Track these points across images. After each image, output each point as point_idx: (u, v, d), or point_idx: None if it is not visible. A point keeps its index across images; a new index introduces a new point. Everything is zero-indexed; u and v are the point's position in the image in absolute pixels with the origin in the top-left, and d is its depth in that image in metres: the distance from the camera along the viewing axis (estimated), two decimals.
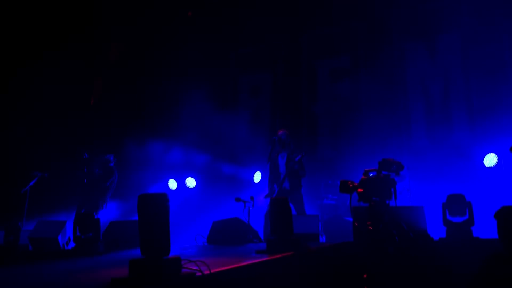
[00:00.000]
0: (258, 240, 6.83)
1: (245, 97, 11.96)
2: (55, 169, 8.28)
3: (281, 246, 4.67)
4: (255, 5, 10.55)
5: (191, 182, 11.06)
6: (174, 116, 10.67)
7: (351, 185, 5.05)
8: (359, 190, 5.10)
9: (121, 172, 8.47)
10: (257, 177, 10.14)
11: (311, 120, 10.69)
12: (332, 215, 8.88)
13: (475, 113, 9.04)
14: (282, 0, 10.53)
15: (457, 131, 9.11)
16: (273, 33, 10.91)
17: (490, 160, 8.46)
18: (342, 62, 10.79)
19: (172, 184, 11.03)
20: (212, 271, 3.18)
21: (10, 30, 9.11)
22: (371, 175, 5.38)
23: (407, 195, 8.57)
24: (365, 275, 4.20)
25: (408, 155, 9.31)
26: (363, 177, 5.46)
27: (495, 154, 8.41)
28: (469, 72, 9.23)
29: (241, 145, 10.68)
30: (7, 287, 3.30)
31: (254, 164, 10.26)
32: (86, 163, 7.64)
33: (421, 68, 9.74)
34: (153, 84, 10.99)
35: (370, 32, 10.27)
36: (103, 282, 3.17)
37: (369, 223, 4.84)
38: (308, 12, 10.45)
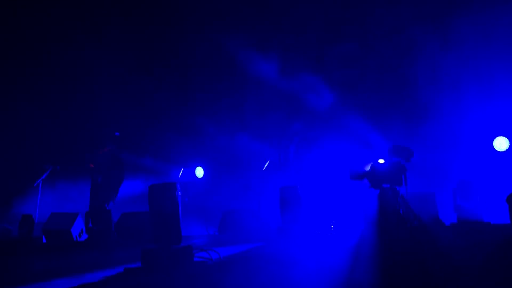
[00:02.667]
0: (267, 228, 6.86)
1: None
2: (67, 161, 8.34)
3: (288, 233, 4.69)
4: None
5: (199, 172, 11.08)
6: None
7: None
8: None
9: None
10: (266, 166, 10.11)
11: None
12: None
13: (487, 97, 8.92)
14: None
15: (469, 116, 8.99)
16: None
17: (501, 143, 8.35)
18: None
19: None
20: (223, 258, 3.20)
21: None
22: (381, 161, 5.37)
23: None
24: None
25: (418, 141, 9.24)
26: (373, 163, 5.46)
27: (507, 138, 8.30)
28: (480, 56, 9.09)
29: None
30: (25, 277, 3.35)
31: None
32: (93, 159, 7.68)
33: (432, 50, 9.61)
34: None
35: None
36: (116, 271, 3.20)
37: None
38: None
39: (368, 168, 5.44)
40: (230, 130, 10.92)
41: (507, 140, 8.35)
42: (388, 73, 9.79)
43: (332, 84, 10.31)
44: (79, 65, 9.80)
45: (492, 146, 8.46)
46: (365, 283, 3.55)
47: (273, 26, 10.48)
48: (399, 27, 9.65)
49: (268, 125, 10.19)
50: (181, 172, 11.12)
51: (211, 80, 10.91)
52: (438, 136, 9.29)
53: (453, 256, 4.52)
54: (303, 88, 10.25)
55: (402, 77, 9.77)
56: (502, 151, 8.37)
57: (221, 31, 10.48)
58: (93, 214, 6.70)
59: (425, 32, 9.59)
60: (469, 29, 8.95)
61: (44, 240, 6.59)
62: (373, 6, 9.75)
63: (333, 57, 10.85)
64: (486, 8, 8.70)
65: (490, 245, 3.83)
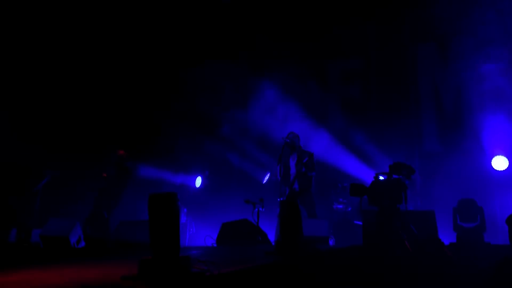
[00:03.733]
0: (267, 242, 6.83)
1: None
2: (67, 168, 8.34)
3: (290, 248, 4.67)
4: None
5: (197, 182, 11.10)
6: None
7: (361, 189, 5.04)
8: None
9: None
10: (266, 178, 10.11)
11: None
12: (341, 219, 8.87)
13: (487, 117, 8.95)
14: None
15: (469, 135, 9.00)
16: None
17: (500, 163, 8.38)
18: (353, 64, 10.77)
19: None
20: (222, 271, 3.19)
21: None
22: (381, 178, 5.37)
23: (418, 200, 8.53)
24: None
25: (419, 159, 9.26)
26: (373, 180, 5.46)
27: (506, 157, 8.33)
28: (483, 75, 9.13)
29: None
30: (18, 285, 3.34)
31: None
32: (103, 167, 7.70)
33: (433, 71, 9.68)
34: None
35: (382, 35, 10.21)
36: (113, 280, 3.19)
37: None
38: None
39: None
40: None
41: (506, 159, 8.38)
42: (390, 91, 9.84)
43: (336, 100, 10.36)
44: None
45: (491, 165, 8.49)
46: None
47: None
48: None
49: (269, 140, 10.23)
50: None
51: None
52: (439, 153, 9.31)
53: (451, 276, 4.50)
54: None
55: (405, 94, 9.83)
56: (500, 171, 8.40)
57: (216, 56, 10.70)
58: (91, 221, 6.69)
59: (427, 49, 9.68)
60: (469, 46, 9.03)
61: (41, 246, 6.57)
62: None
63: (336, 73, 10.94)
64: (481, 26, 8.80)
65: (490, 266, 3.81)
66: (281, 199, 7.26)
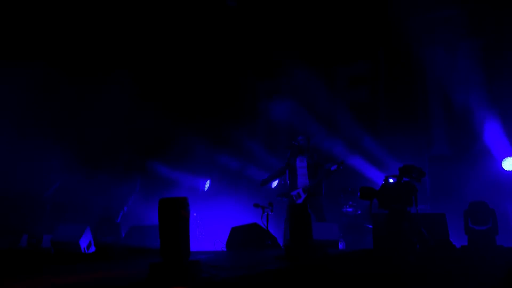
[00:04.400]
0: (276, 246, 6.82)
1: None
2: (77, 173, 8.40)
3: (299, 253, 4.65)
4: None
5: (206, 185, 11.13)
6: None
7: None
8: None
9: None
10: (275, 182, 10.09)
11: None
12: (351, 222, 8.82)
13: (497, 119, 8.88)
14: None
15: (479, 137, 8.95)
16: None
17: (510, 164, 8.31)
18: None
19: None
20: (232, 276, 3.19)
21: None
22: (391, 181, 5.34)
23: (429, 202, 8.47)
24: None
25: (428, 162, 9.21)
26: (383, 183, 5.43)
27: None
28: (491, 79, 9.07)
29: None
30: None
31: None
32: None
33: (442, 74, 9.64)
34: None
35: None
36: (123, 285, 3.20)
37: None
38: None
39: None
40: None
41: None
42: (399, 94, 9.81)
43: (344, 104, 10.34)
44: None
45: (502, 167, 8.43)
46: None
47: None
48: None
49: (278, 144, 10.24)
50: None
51: None
52: (448, 156, 9.25)
53: (463, 279, 4.46)
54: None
55: (414, 97, 9.78)
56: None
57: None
58: (102, 226, 6.72)
59: (437, 53, 9.63)
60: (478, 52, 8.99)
61: (52, 251, 6.61)
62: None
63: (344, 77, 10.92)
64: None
65: (503, 269, 3.77)
66: (285, 199, 7.29)
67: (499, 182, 8.42)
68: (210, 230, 10.17)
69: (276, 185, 9.95)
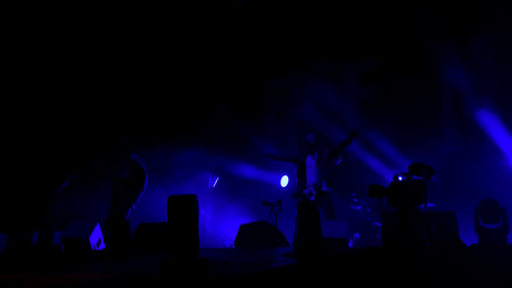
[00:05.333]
0: (285, 244, 6.81)
1: None
2: (88, 170, 8.44)
3: (308, 250, 4.64)
4: None
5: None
6: None
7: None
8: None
9: None
10: (284, 181, 10.09)
11: None
12: (361, 220, 8.80)
13: (509, 116, 8.80)
14: None
15: (489, 135, 8.87)
16: None
17: None
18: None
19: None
20: (240, 273, 3.19)
21: None
22: (400, 179, 5.32)
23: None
24: None
25: (439, 159, 9.14)
26: (392, 181, 5.41)
27: None
28: (503, 74, 8.99)
29: None
30: (41, 284, 3.39)
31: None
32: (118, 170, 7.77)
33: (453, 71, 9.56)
34: None
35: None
36: (133, 282, 3.22)
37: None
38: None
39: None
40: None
41: None
42: (409, 91, 9.75)
43: (354, 100, 10.30)
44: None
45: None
46: None
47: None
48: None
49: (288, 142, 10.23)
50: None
51: None
52: (458, 153, 9.18)
53: (474, 277, 4.43)
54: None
55: (425, 96, 9.72)
56: None
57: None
58: (111, 223, 6.75)
59: (448, 50, 9.55)
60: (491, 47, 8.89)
61: (63, 248, 6.68)
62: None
63: (354, 73, 10.88)
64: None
65: None
66: (300, 199, 7.26)
67: (510, 180, 8.34)
68: (218, 227, 10.20)
69: (287, 184, 9.95)
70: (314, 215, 4.97)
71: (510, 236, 5.53)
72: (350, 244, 6.81)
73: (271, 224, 7.09)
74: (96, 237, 6.77)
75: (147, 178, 7.73)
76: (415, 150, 8.84)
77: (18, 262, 5.32)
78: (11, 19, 8.48)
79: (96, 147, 9.10)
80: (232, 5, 10.53)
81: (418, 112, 9.67)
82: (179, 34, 10.61)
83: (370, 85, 10.51)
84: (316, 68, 10.83)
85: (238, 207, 10.49)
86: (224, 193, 11.12)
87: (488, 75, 9.18)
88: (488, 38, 9.31)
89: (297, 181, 7.88)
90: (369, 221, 8.59)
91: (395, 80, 10.23)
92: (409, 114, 9.69)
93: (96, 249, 6.63)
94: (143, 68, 10.49)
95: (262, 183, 10.78)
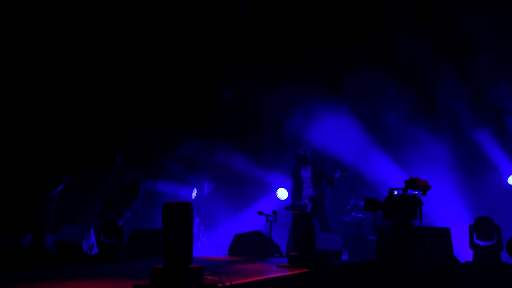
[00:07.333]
0: (279, 254, 6.80)
1: None
2: (83, 175, 8.42)
3: (302, 262, 4.63)
4: None
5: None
6: None
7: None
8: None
9: None
10: (282, 193, 10.01)
11: None
12: (355, 233, 8.78)
13: (506, 133, 8.85)
14: None
15: (485, 152, 8.91)
16: None
17: None
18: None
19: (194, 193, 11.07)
20: (234, 282, 3.18)
21: None
22: (396, 193, 5.32)
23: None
24: None
25: (433, 176, 9.15)
26: (388, 195, 5.40)
27: None
28: (500, 93, 9.05)
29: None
30: None
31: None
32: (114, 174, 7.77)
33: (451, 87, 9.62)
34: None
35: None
36: None
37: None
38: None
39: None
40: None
41: None
42: (407, 105, 9.79)
43: (352, 114, 10.33)
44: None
45: (508, 182, 8.39)
46: None
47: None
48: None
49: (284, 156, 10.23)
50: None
51: None
52: (455, 171, 9.20)
53: None
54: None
55: (421, 109, 9.76)
56: None
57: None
58: (105, 228, 6.72)
59: (445, 68, 9.62)
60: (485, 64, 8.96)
61: (55, 252, 6.63)
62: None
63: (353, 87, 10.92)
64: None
65: (507, 286, 3.73)
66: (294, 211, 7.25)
67: (505, 197, 8.36)
68: (212, 236, 10.15)
69: (287, 197, 9.92)
70: (309, 227, 4.97)
71: (504, 254, 5.53)
72: (344, 257, 6.80)
73: (266, 234, 7.07)
74: (89, 241, 6.72)
75: (142, 185, 7.78)
76: (412, 165, 8.86)
77: (6, 267, 5.28)
78: (11, 19, 8.49)
79: (92, 151, 9.10)
80: (234, 16, 10.59)
81: (416, 127, 9.68)
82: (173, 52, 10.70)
83: (369, 97, 10.55)
84: (314, 80, 10.87)
85: (233, 216, 10.46)
86: (219, 202, 11.09)
87: (485, 91, 9.24)
88: (489, 54, 9.39)
89: (291, 192, 7.90)
90: (363, 235, 8.58)
91: (393, 93, 10.26)
92: (406, 129, 9.70)
93: (89, 253, 6.58)
94: (143, 70, 10.52)
95: (258, 191, 10.77)
